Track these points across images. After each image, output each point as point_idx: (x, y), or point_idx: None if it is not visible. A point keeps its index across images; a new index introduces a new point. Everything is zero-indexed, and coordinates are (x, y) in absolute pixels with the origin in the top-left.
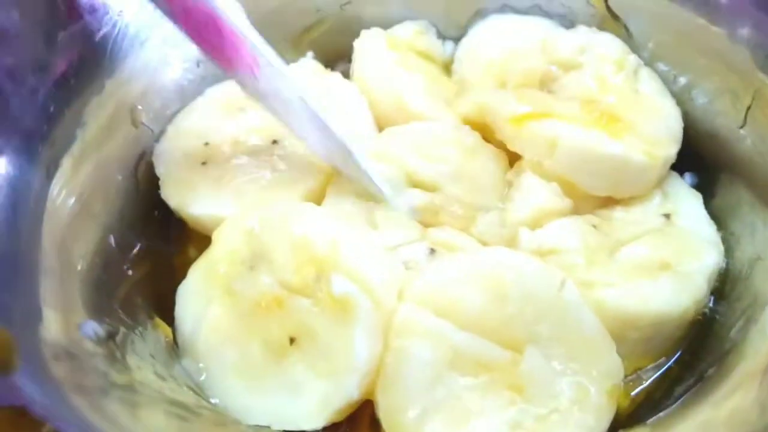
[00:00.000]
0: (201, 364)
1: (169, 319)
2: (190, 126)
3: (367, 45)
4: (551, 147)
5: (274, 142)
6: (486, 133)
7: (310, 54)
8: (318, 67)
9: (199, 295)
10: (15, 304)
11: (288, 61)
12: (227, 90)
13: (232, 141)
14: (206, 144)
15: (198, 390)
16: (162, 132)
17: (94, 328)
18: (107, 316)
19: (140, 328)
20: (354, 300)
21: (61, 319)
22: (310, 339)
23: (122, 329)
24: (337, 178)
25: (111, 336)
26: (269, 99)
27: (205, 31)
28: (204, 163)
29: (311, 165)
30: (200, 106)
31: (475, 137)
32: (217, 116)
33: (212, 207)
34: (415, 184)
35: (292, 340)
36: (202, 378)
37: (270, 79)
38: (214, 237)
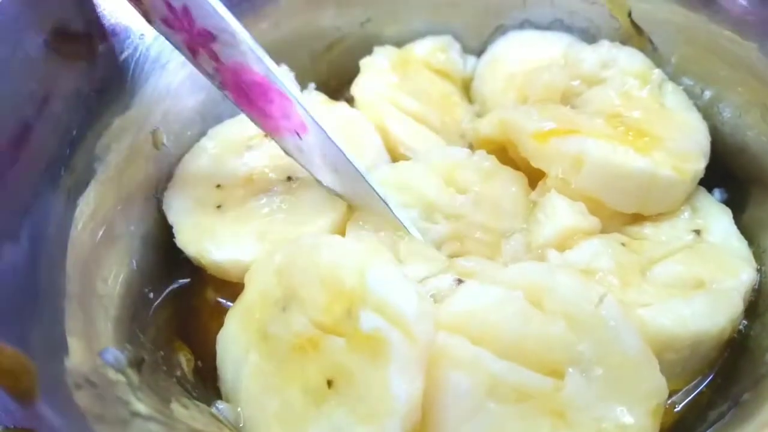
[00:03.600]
0: (242, 412)
1: (192, 342)
2: (199, 170)
3: (366, 66)
4: (577, 163)
5: (289, 178)
6: (502, 155)
7: (312, 85)
8: (322, 98)
9: (237, 341)
10: (37, 332)
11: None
12: (232, 129)
13: (245, 181)
14: (218, 186)
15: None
16: (171, 175)
17: (115, 355)
18: (129, 343)
19: (161, 354)
20: (385, 336)
21: (83, 347)
22: (346, 381)
23: (144, 355)
24: (358, 211)
25: (132, 363)
26: (305, 154)
27: (255, 97)
28: (219, 207)
29: (329, 199)
30: (206, 148)
31: (491, 161)
32: (226, 157)
33: (234, 252)
34: (436, 214)
35: (330, 383)
36: (243, 424)
37: (315, 137)
38: (246, 280)
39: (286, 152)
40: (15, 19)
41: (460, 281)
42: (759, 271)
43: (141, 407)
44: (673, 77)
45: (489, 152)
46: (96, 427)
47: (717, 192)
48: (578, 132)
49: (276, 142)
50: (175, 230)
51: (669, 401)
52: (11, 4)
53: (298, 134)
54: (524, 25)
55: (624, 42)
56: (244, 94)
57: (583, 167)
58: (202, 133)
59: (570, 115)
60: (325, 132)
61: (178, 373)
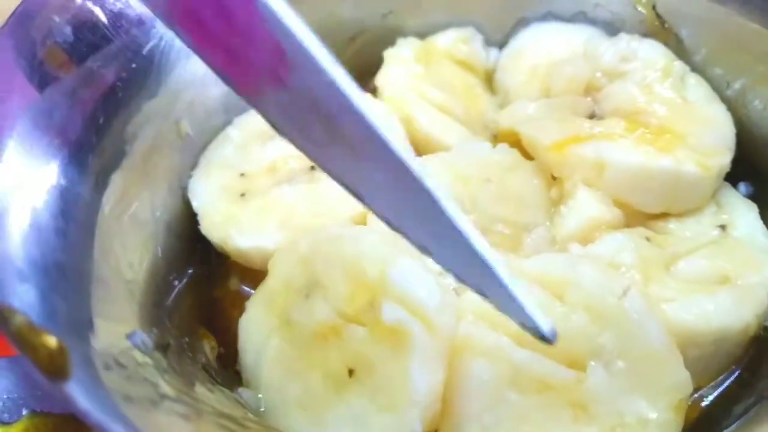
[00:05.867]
0: (263, 396)
1: (215, 329)
2: (223, 158)
3: (390, 57)
4: (598, 168)
5: (312, 168)
6: (523, 148)
7: None
8: None
9: (259, 327)
10: (68, 312)
11: None
12: (257, 118)
13: (268, 170)
14: (242, 175)
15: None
16: (195, 164)
17: (142, 338)
18: (155, 326)
19: (186, 339)
20: (407, 328)
21: (111, 329)
22: (368, 371)
23: (170, 340)
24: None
25: (159, 346)
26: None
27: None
28: (243, 195)
29: None
30: (231, 137)
31: (513, 154)
32: (250, 145)
33: (257, 239)
34: None
35: (351, 372)
36: (264, 408)
37: (305, 80)
38: (270, 267)
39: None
40: (43, 5)
41: None
42: None
43: (168, 389)
44: (702, 67)
45: (512, 144)
46: (125, 408)
47: (742, 186)
48: (595, 137)
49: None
50: (199, 217)
51: (696, 396)
52: None
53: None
54: (547, 17)
55: (649, 34)
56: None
57: (605, 171)
58: (227, 123)
59: (584, 124)
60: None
61: (203, 359)
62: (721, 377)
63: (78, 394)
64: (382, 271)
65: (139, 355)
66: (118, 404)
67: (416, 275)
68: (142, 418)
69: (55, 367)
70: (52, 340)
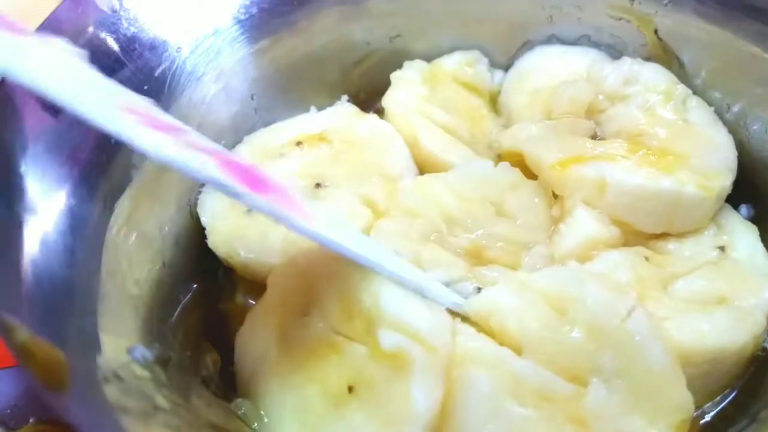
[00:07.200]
0: (261, 411)
1: (220, 343)
2: None
3: (397, 79)
4: (600, 189)
5: (317, 185)
6: (525, 168)
7: (344, 97)
8: (354, 109)
9: (256, 340)
10: (70, 326)
11: (330, 102)
12: (267, 136)
13: None
14: None
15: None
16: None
17: (143, 353)
18: (157, 341)
19: (189, 353)
20: (406, 352)
21: (114, 344)
22: (368, 388)
23: (171, 354)
24: (382, 220)
25: (159, 360)
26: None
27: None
28: (249, 210)
29: (356, 206)
30: (242, 154)
31: (515, 173)
32: (259, 162)
33: (262, 254)
34: (457, 227)
35: (350, 389)
36: (263, 422)
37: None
38: (268, 282)
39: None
40: (59, 29)
41: (479, 289)
42: None
43: (164, 402)
44: (702, 92)
45: (514, 164)
46: (121, 419)
47: (744, 208)
48: (597, 157)
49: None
50: (207, 231)
51: (696, 414)
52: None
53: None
54: (551, 40)
55: (651, 58)
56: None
57: (606, 191)
58: (237, 142)
59: (586, 145)
60: None
61: (204, 372)
62: (719, 397)
63: (74, 405)
64: (375, 298)
65: (138, 369)
66: (113, 416)
67: (407, 300)
68: (134, 430)
69: (54, 379)
70: (52, 353)
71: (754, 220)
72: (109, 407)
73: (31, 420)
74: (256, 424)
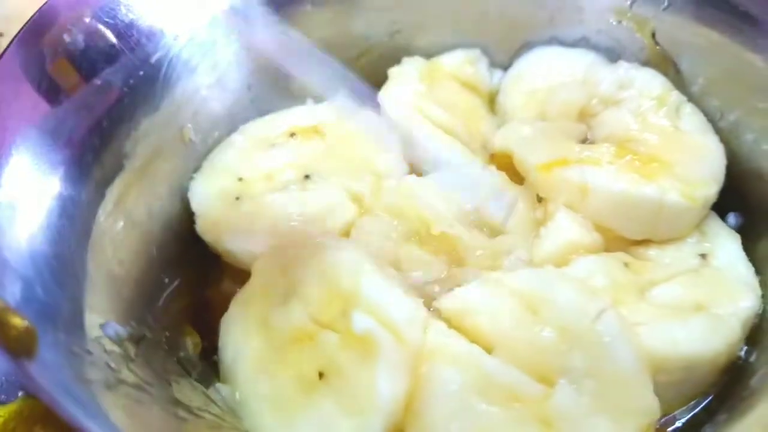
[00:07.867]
0: (238, 394)
1: (205, 328)
2: (225, 162)
3: (395, 75)
4: (582, 193)
5: (306, 177)
6: (514, 171)
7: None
8: (350, 104)
9: (239, 327)
10: (45, 299)
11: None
12: (261, 126)
13: (265, 176)
14: (240, 179)
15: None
16: (196, 168)
17: (115, 329)
18: (135, 320)
19: (166, 334)
20: (375, 337)
21: (87, 318)
22: (337, 375)
23: (146, 333)
24: (365, 215)
25: (132, 338)
26: None
27: None
28: (237, 198)
29: (342, 200)
30: (235, 143)
31: (500, 177)
32: (251, 152)
33: (246, 243)
34: (437, 231)
35: (321, 375)
36: (238, 405)
37: None
38: (252, 270)
39: None
40: (56, 15)
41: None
42: (764, 299)
43: (129, 376)
44: (698, 99)
45: (505, 164)
46: (80, 388)
47: (732, 216)
48: (581, 161)
49: None
50: (196, 218)
51: (663, 421)
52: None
53: None
54: (551, 41)
55: (649, 63)
56: None
57: (587, 196)
58: (232, 131)
59: (573, 148)
60: None
61: (181, 353)
62: (693, 403)
63: (37, 373)
64: (356, 282)
65: (108, 343)
66: (75, 385)
67: (388, 288)
68: (94, 399)
69: (21, 347)
70: (21, 321)
71: (741, 229)
72: (71, 377)
73: (20, 393)
74: (233, 409)
